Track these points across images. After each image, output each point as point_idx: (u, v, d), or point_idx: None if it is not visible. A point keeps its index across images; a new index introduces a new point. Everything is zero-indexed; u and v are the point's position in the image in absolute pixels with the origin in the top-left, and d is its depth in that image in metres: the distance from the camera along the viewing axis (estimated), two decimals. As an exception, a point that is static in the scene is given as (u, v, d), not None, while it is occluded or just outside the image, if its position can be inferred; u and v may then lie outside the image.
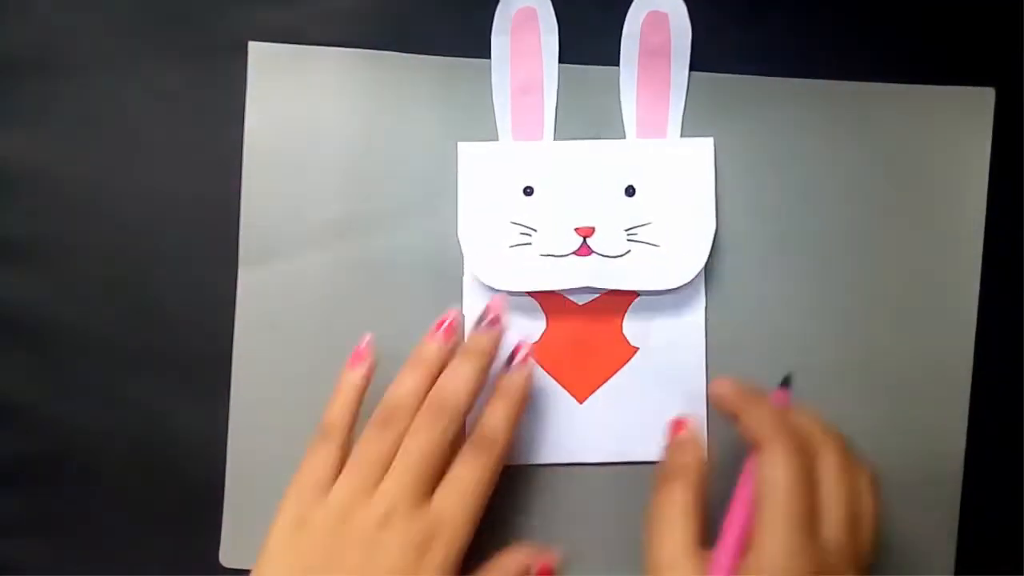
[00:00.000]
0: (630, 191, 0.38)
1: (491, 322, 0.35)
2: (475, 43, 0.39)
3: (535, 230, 0.38)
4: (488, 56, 0.39)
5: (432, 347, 0.35)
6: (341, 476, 0.33)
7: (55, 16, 0.39)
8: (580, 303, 0.39)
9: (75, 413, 0.39)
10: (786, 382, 0.35)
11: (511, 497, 0.38)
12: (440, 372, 0.34)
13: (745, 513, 0.31)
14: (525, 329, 0.38)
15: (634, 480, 0.38)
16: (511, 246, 0.38)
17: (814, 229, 0.39)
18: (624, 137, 0.39)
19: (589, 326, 0.39)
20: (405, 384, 0.34)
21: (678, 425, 0.35)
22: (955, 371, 0.39)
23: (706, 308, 0.39)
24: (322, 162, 0.39)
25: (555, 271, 0.37)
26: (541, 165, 0.38)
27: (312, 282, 0.39)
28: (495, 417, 0.34)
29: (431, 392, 0.34)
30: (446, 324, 0.35)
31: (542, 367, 0.38)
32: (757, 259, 0.39)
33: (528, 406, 0.37)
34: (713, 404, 0.35)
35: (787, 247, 0.39)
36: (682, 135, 0.39)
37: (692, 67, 0.39)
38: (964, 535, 0.38)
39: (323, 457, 0.33)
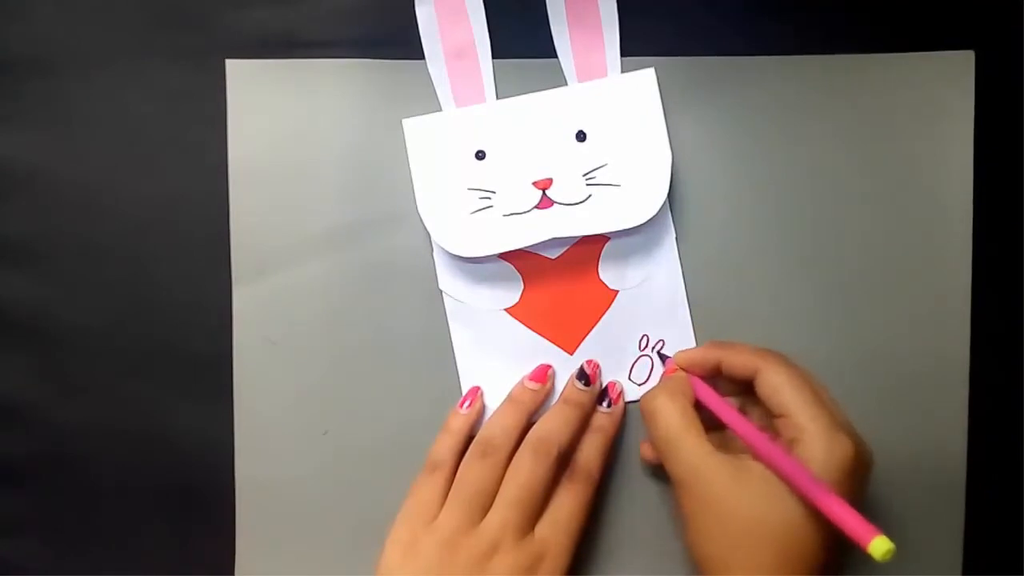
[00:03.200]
0: (581, 136, 0.38)
1: (590, 381, 0.37)
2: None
3: (493, 192, 0.37)
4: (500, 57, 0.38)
5: (529, 391, 0.37)
6: (446, 505, 0.35)
7: (55, 16, 0.39)
8: (553, 257, 0.38)
9: (75, 413, 0.39)
10: (662, 357, 0.38)
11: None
12: (533, 412, 0.37)
13: (748, 423, 0.33)
14: (502, 293, 0.38)
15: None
16: (472, 212, 0.37)
17: (801, 202, 0.39)
18: (566, 84, 0.38)
19: (566, 278, 0.38)
20: (502, 421, 0.36)
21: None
22: (951, 349, 0.39)
23: (677, 239, 0.38)
24: (310, 174, 0.39)
25: (520, 229, 0.37)
26: (488, 127, 0.38)
27: (307, 293, 0.39)
28: (590, 450, 0.36)
29: (534, 430, 0.36)
30: (542, 372, 0.38)
31: (527, 327, 0.39)
32: (728, 213, 0.39)
33: (522, 367, 0.38)
34: (688, 369, 0.36)
35: (773, 223, 0.39)
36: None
37: (671, 52, 0.38)
38: (966, 535, 0.38)
39: (430, 488, 0.35)
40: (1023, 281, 0.39)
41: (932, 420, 0.38)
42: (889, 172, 0.39)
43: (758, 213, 0.39)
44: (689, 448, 0.33)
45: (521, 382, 0.38)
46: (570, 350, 0.39)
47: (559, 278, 0.38)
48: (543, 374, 0.38)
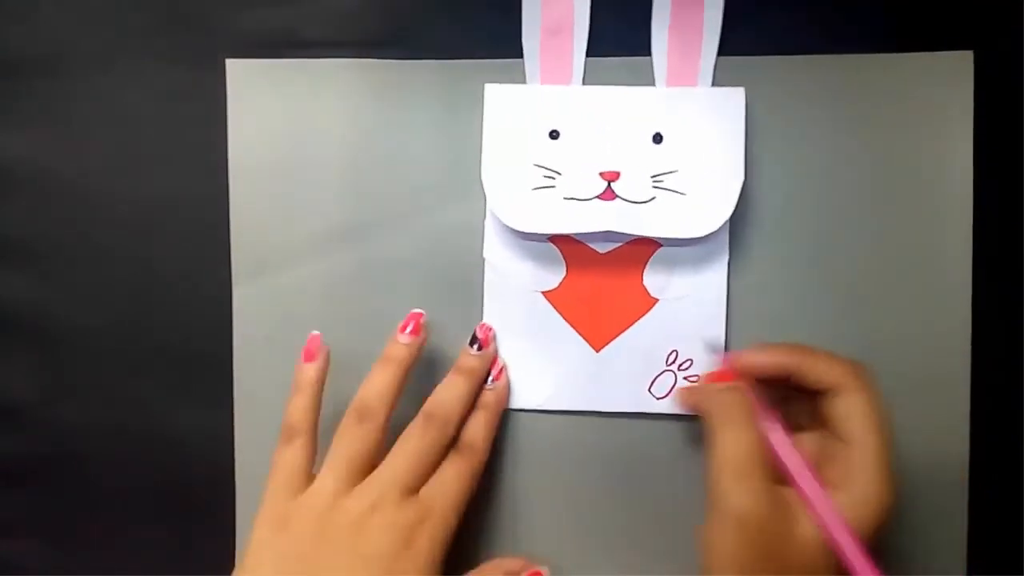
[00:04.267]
0: (657, 138, 0.37)
1: (482, 345, 0.37)
2: (476, 43, 0.38)
3: (559, 173, 0.37)
4: (488, 56, 0.38)
5: (401, 346, 0.36)
6: (323, 471, 0.34)
7: (55, 17, 0.39)
8: (601, 252, 0.38)
9: (75, 413, 0.39)
10: (718, 348, 0.37)
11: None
12: (408, 368, 0.36)
13: (799, 456, 0.33)
14: (543, 275, 0.38)
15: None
16: (534, 188, 0.37)
17: (807, 207, 0.38)
18: (654, 84, 0.38)
19: (609, 275, 0.38)
20: (377, 382, 0.35)
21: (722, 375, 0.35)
22: (951, 349, 0.38)
23: (729, 263, 0.38)
24: (310, 174, 0.39)
25: (578, 215, 0.37)
26: (568, 109, 0.38)
27: (307, 293, 0.39)
28: (476, 427, 0.36)
29: (428, 401, 0.36)
30: (413, 323, 0.37)
31: (560, 314, 0.38)
32: (777, 223, 0.38)
33: (546, 353, 0.38)
34: (754, 373, 0.34)
35: (790, 223, 0.38)
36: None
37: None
38: (975, 544, 0.38)
39: (292, 456, 0.34)
40: (1021, 282, 0.38)
41: (933, 420, 0.38)
42: (888, 173, 0.38)
43: (760, 208, 0.38)
44: (756, 488, 0.31)
45: (394, 337, 0.36)
46: (597, 347, 0.38)
47: (603, 273, 0.38)
48: (416, 324, 0.36)
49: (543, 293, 0.38)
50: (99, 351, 0.39)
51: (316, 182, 0.39)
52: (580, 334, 0.38)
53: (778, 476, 0.33)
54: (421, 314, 0.37)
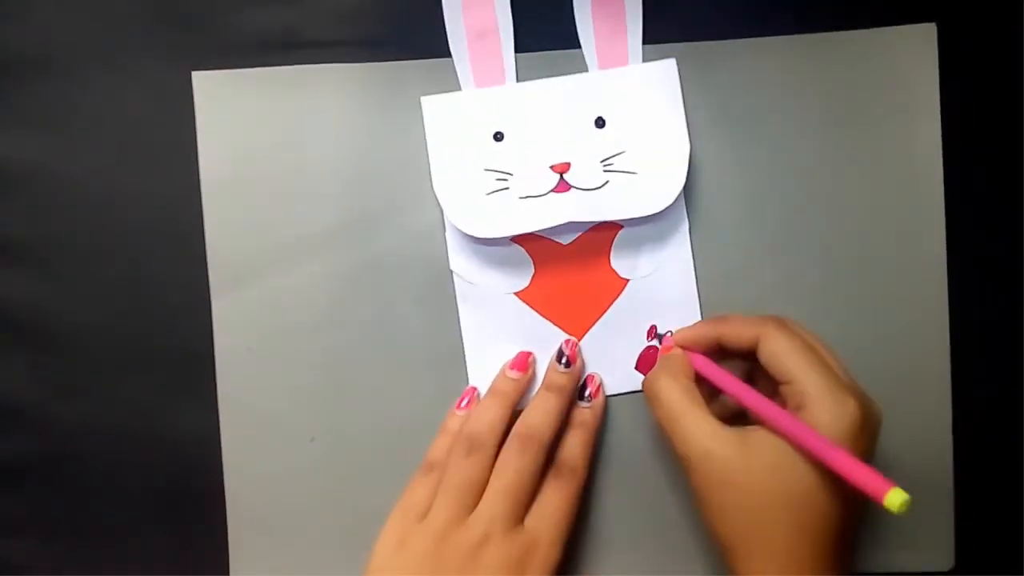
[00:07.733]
0: (600, 123, 0.38)
1: (570, 361, 0.37)
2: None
3: (511, 174, 0.37)
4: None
5: (510, 380, 0.37)
6: (436, 501, 0.35)
7: (55, 16, 0.38)
8: (565, 243, 0.38)
9: (75, 413, 0.39)
10: (659, 336, 0.38)
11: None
12: (516, 402, 0.37)
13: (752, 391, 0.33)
14: (512, 277, 0.38)
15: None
16: (488, 193, 0.37)
17: (783, 186, 0.38)
18: (587, 70, 0.38)
19: (577, 264, 0.38)
20: (486, 415, 0.36)
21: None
22: (927, 331, 0.39)
23: (690, 231, 0.39)
24: (285, 183, 0.38)
25: (536, 212, 0.37)
26: (508, 109, 0.38)
27: (291, 301, 0.38)
28: (574, 447, 0.36)
29: (518, 424, 0.36)
30: (521, 361, 0.38)
31: (536, 311, 0.38)
32: (732, 197, 0.39)
33: (530, 352, 0.38)
34: (688, 348, 0.36)
35: (759, 203, 0.39)
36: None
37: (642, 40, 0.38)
38: (963, 535, 0.38)
39: (424, 487, 0.35)
40: (995, 251, 0.39)
41: (917, 411, 0.38)
42: (857, 149, 0.38)
43: (727, 195, 0.39)
44: (694, 427, 0.32)
45: (502, 371, 0.38)
46: (578, 335, 0.39)
47: (570, 264, 0.38)
48: (524, 362, 0.38)
49: (516, 294, 0.38)
50: (99, 351, 0.39)
51: (291, 191, 0.38)
52: (559, 327, 0.39)
53: (729, 416, 0.34)
54: (530, 353, 0.38)
